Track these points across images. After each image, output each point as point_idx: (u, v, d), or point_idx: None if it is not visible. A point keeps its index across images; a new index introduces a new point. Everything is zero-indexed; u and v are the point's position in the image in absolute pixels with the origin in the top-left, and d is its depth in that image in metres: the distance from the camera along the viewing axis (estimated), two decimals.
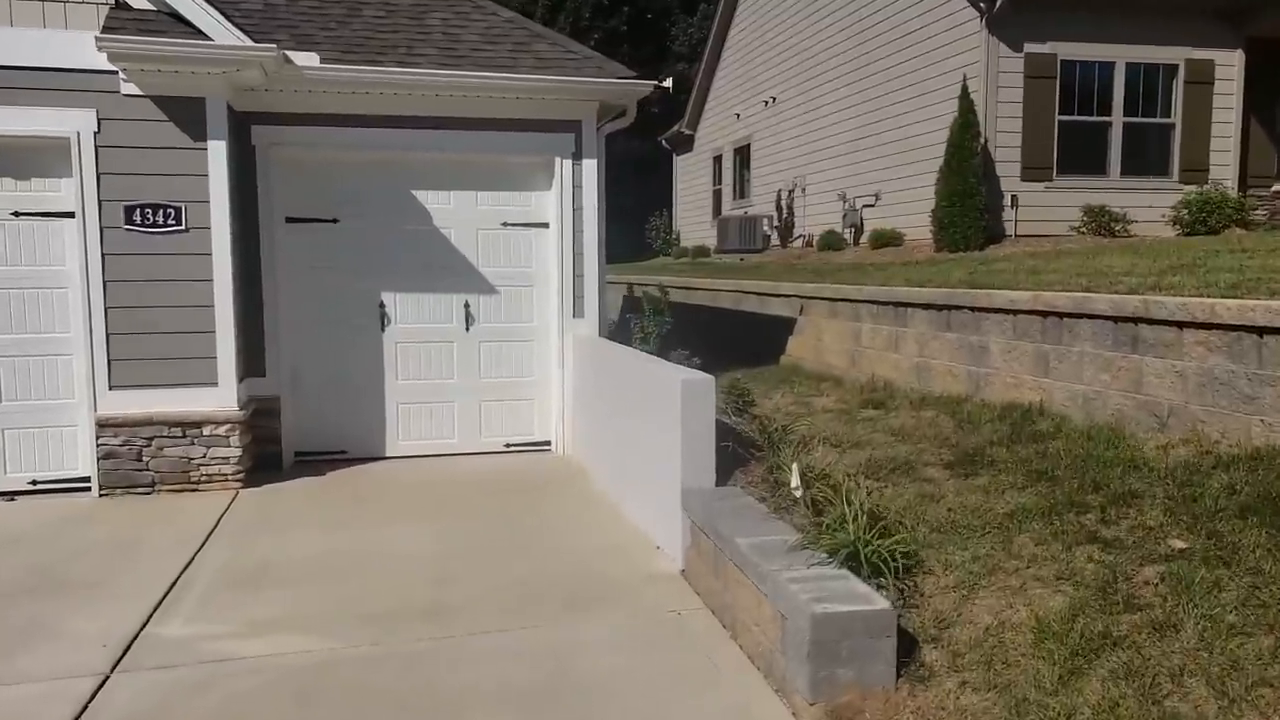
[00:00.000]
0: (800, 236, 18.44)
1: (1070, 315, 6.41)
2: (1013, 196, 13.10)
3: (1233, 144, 13.54)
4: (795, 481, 4.87)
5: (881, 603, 3.68)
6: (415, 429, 8.19)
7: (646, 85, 8.06)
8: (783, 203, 19.12)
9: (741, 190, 22.02)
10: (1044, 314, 6.68)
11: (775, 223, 19.35)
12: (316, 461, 7.75)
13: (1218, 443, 5.09)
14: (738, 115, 22.03)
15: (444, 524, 6.17)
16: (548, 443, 8.44)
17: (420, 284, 8.11)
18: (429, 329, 8.19)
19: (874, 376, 8.89)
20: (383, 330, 8.06)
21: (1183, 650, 3.33)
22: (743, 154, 21.86)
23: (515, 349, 8.40)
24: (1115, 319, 6.00)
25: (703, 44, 23.86)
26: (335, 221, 7.89)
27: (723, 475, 5.57)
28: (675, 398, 5.40)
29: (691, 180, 25.63)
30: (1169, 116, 13.44)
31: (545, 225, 8.34)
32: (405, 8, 8.33)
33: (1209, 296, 5.59)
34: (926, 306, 8.17)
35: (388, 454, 8.10)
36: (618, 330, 10.30)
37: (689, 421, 5.35)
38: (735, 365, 10.71)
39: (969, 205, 12.46)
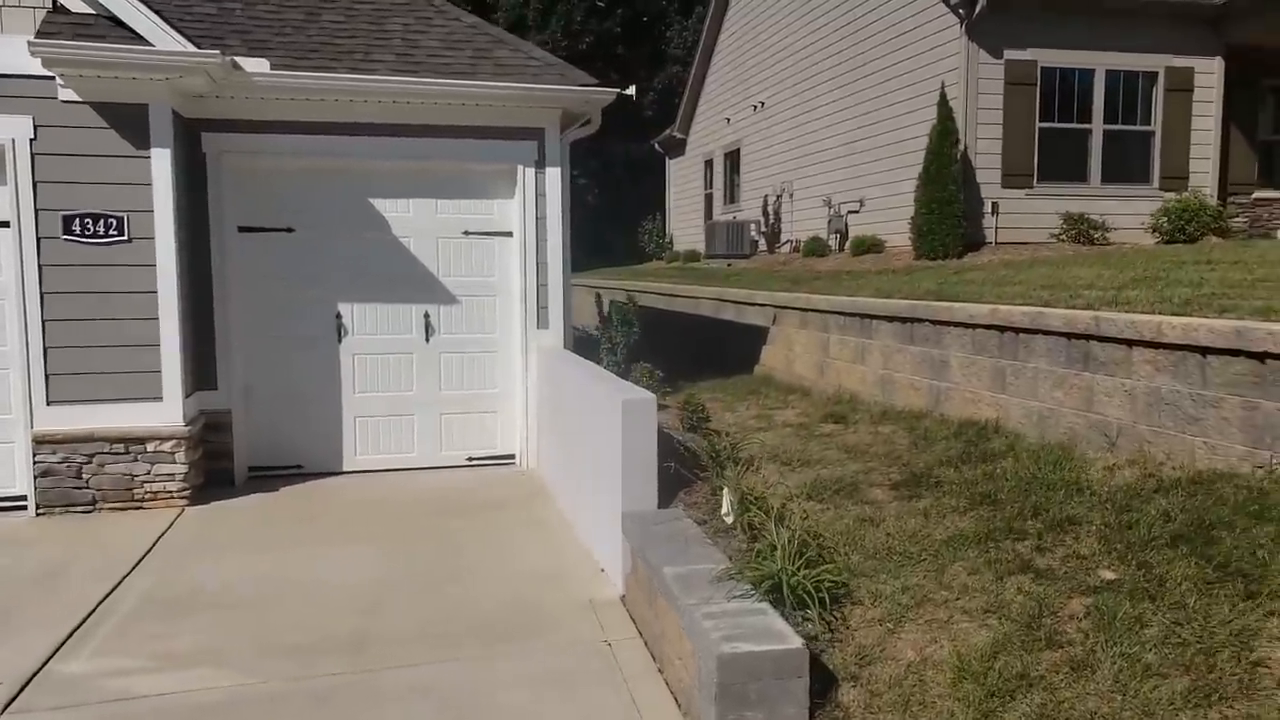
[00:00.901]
0: (788, 242, 18.33)
1: (1026, 331, 6.31)
2: (993, 203, 12.99)
3: (1212, 152, 13.42)
4: (726, 508, 4.76)
5: (795, 641, 3.57)
6: (373, 443, 8.09)
7: (609, 93, 7.95)
8: (770, 208, 19.01)
9: (731, 195, 21.91)
10: (1001, 329, 6.57)
11: (763, 228, 19.23)
12: (270, 477, 7.64)
13: (1162, 464, 4.98)
14: (728, 120, 21.92)
15: (389, 546, 6.06)
16: (511, 456, 8.34)
17: (378, 294, 8.01)
18: (388, 340, 8.09)
19: (840, 388, 8.79)
20: (339, 341, 7.96)
21: (1097, 693, 3.23)
22: (733, 159, 21.76)
23: (477, 360, 8.30)
24: (1069, 335, 5.90)
25: (697, 47, 23.75)
26: (290, 231, 7.79)
27: (667, 496, 5.47)
28: (616, 417, 5.29)
29: (683, 184, 25.53)
30: (1149, 124, 13.32)
31: (508, 234, 8.24)
32: (365, 13, 8.24)
33: (1161, 313, 5.49)
34: (891, 319, 8.06)
35: (344, 469, 8.00)
36: (598, 340, 10.19)
37: (630, 442, 5.24)
38: (709, 375, 10.63)
39: (947, 213, 12.35)
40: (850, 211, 15.80)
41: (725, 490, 4.89)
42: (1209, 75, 13.29)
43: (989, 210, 12.98)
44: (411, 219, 8.05)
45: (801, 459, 6.36)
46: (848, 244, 15.32)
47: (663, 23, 33.60)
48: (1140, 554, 4.01)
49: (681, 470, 5.70)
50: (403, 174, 7.95)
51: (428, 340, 8.12)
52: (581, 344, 9.55)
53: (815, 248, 16.01)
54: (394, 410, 8.12)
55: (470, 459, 8.25)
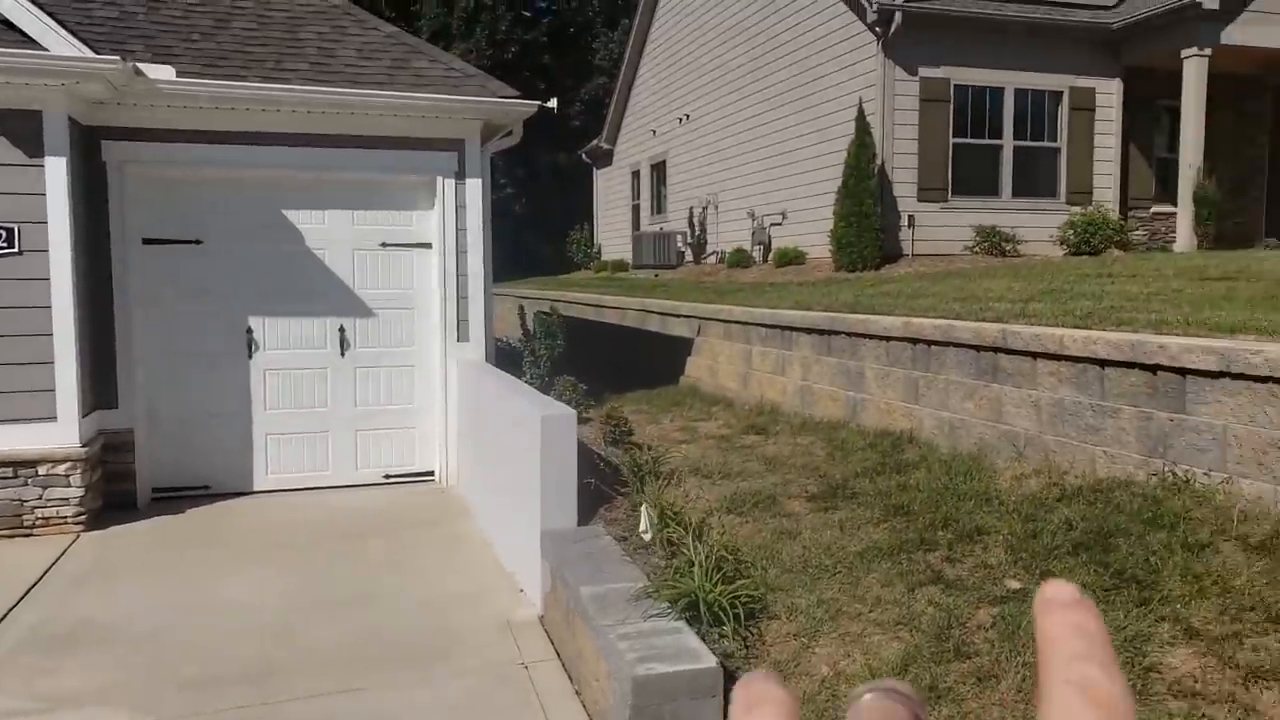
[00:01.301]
0: (714, 253, 18.48)
1: (938, 343, 6.46)
2: (909, 216, 13.30)
3: (1114, 168, 13.99)
4: (644, 525, 4.75)
5: (709, 660, 3.57)
6: (286, 461, 7.86)
7: (531, 105, 7.90)
8: (696, 219, 19.14)
9: (659, 206, 22.02)
10: (914, 341, 6.72)
11: (689, 239, 19.35)
12: (176, 499, 7.36)
13: (1066, 473, 5.14)
14: (654, 131, 22.03)
15: (299, 569, 5.88)
16: (430, 473, 8.19)
17: (291, 308, 7.80)
18: (301, 355, 7.87)
19: (763, 399, 8.87)
20: (250, 357, 7.72)
21: (1001, 702, 3.30)
22: (659, 170, 21.87)
23: (395, 375, 8.14)
24: (978, 348, 6.06)
25: (623, 59, 23.87)
26: (198, 243, 7.54)
27: (587, 513, 5.43)
28: (534, 433, 5.23)
29: (612, 195, 25.56)
30: (1055, 141, 13.83)
31: (428, 245, 8.11)
32: (279, 21, 8.04)
33: (1063, 326, 5.67)
34: (810, 330, 8.18)
35: (255, 488, 7.75)
36: (521, 352, 10.09)
37: (548, 458, 5.19)
38: (635, 386, 10.62)
39: (865, 225, 12.60)
40: (773, 224, 16.01)
41: (644, 507, 4.87)
42: (1109, 95, 13.85)
43: (906, 223, 13.29)
44: (327, 230, 7.87)
45: (723, 472, 6.39)
46: (771, 255, 15.52)
47: (589, 34, 33.69)
48: (1044, 563, 4.12)
49: (602, 486, 5.67)
50: (318, 185, 7.76)
51: (343, 354, 7.93)
52: (504, 357, 9.46)
53: (740, 259, 16.18)
54: (307, 427, 7.90)
55: (387, 476, 8.08)
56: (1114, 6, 13.80)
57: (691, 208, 19.23)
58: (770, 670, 3.61)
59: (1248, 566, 3.70)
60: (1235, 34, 12.67)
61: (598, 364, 12.24)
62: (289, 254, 7.77)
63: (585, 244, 25.56)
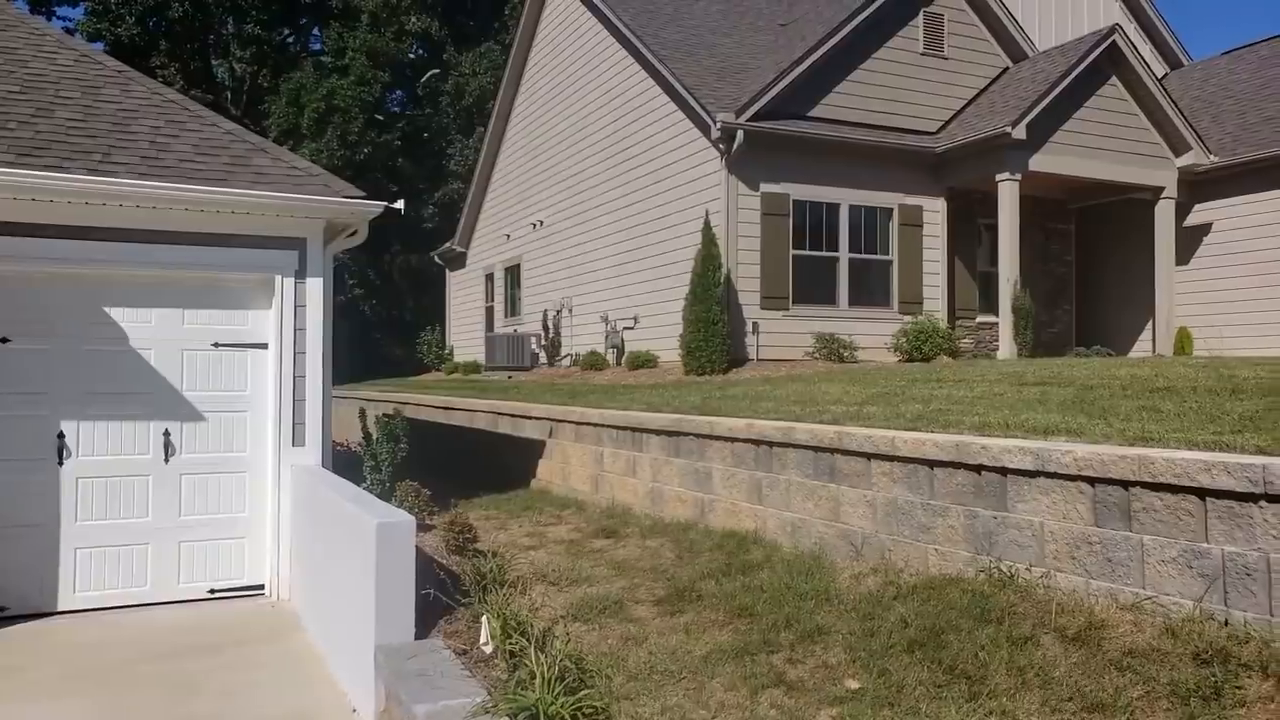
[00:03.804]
0: (567, 356, 18.59)
1: (779, 444, 6.63)
2: (754, 323, 13.83)
3: (941, 280, 15.08)
4: (484, 637, 4.55)
5: None
6: (98, 577, 7.16)
7: (376, 206, 7.81)
8: (550, 322, 19.28)
9: (513, 308, 22.07)
10: (757, 443, 6.88)
11: (543, 341, 19.42)
12: None
13: (901, 571, 5.29)
14: (508, 236, 22.26)
15: (106, 699, 5.29)
16: (261, 587, 7.63)
17: (111, 411, 7.25)
18: (119, 461, 7.28)
19: (614, 502, 8.82)
20: (61, 464, 7.09)
21: None
22: (513, 273, 22.02)
23: (225, 482, 7.63)
24: (816, 449, 6.25)
25: (478, 164, 24.20)
26: (5, 341, 6.96)
27: (426, 626, 5.16)
28: (370, 542, 4.98)
29: (465, 296, 25.48)
30: (888, 254, 14.81)
31: (263, 346, 7.75)
32: (109, 113, 7.71)
33: (895, 428, 5.93)
34: (659, 432, 8.25)
35: (61, 608, 7.00)
36: (363, 457, 9.68)
37: (385, 568, 4.93)
38: (485, 490, 10.36)
39: (713, 331, 12.99)
40: (626, 327, 16.29)
41: (485, 618, 4.68)
42: (935, 213, 15.03)
43: (751, 330, 13.81)
44: (154, 329, 7.42)
45: (571, 577, 6.25)
46: (624, 358, 15.74)
47: (444, 139, 34.08)
48: (881, 661, 4.18)
49: (442, 597, 5.41)
50: (146, 282, 7.34)
51: (167, 460, 7.39)
52: (345, 462, 9.07)
53: (593, 361, 16.32)
54: (125, 539, 7.25)
55: (213, 591, 7.47)
56: (937, 133, 15.12)
57: (546, 310, 19.37)
58: None
59: (1065, 658, 3.86)
60: (1041, 162, 14.08)
61: (447, 468, 11.92)
62: (111, 354, 7.26)
63: (437, 345, 25.25)
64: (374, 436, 8.83)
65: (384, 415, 9.58)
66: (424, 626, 5.11)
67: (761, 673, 4.33)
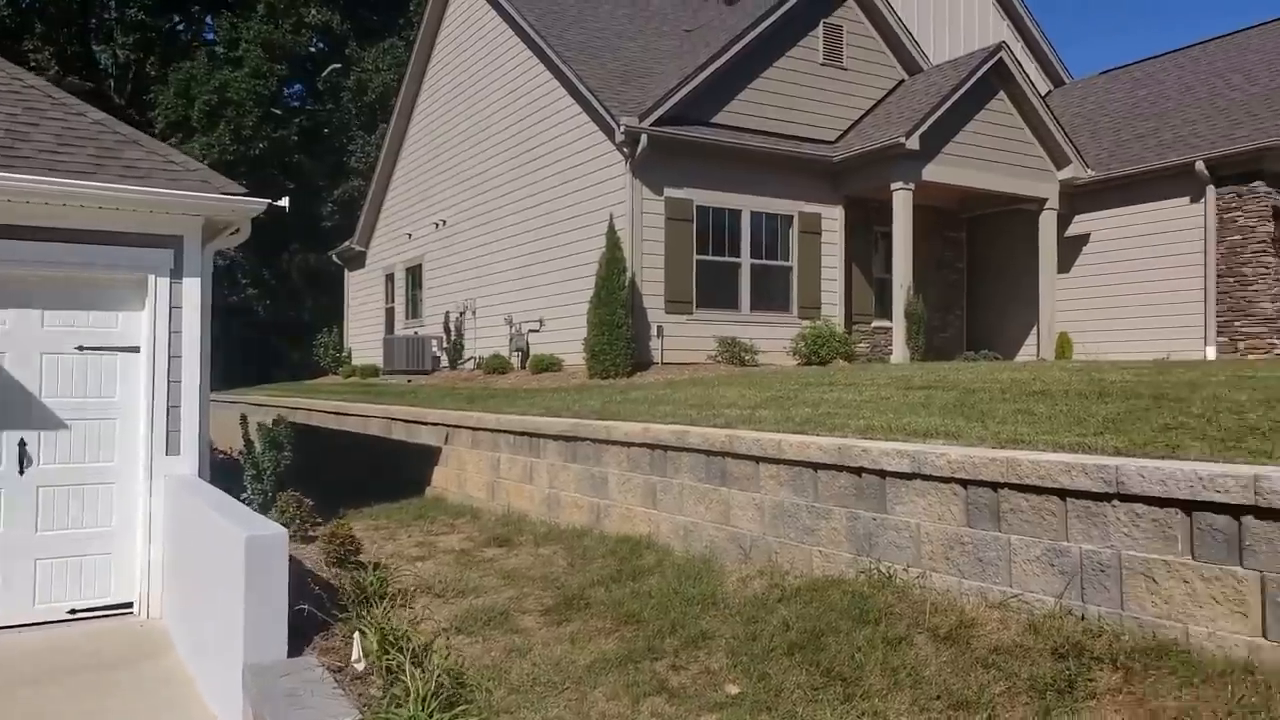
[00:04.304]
0: (471, 359, 18.30)
1: (673, 448, 6.62)
2: (659, 327, 13.86)
3: (839, 286, 15.40)
4: (356, 654, 4.39)
5: None
6: None
7: (259, 203, 7.50)
8: (453, 324, 18.96)
9: (414, 310, 21.63)
10: (653, 447, 6.85)
11: (445, 344, 19.08)
12: None
13: (787, 574, 5.33)
14: (410, 235, 21.82)
15: None
16: (129, 605, 7.21)
17: None
18: None
19: (510, 509, 8.69)
20: None
21: None
22: (415, 274, 21.58)
23: (90, 494, 7.19)
24: (708, 453, 6.26)
25: (379, 161, 23.63)
26: None
27: (300, 643, 4.95)
28: (239, 556, 4.75)
29: (364, 297, 24.85)
30: (788, 260, 15.04)
31: (135, 349, 7.34)
32: None
33: (783, 432, 5.99)
34: (557, 437, 8.16)
35: None
36: (244, 466, 9.28)
37: (255, 583, 4.71)
38: (377, 499, 10.07)
39: (617, 335, 12.96)
40: (531, 330, 16.13)
41: (356, 634, 4.51)
42: (833, 220, 15.34)
43: (655, 333, 13.82)
44: (9, 332, 6.95)
45: (458, 589, 6.11)
46: (528, 362, 15.58)
47: (345, 135, 33.21)
48: (761, 665, 4.18)
49: (318, 612, 5.20)
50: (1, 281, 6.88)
51: (22, 472, 6.92)
52: (227, 471, 8.69)
53: (497, 365, 16.10)
54: None
55: (75, 611, 7.02)
56: (835, 142, 15.43)
57: (448, 312, 19.05)
58: None
59: (936, 657, 3.94)
60: (933, 172, 14.51)
61: (338, 477, 11.56)
62: None
63: (334, 348, 24.56)
64: (255, 445, 8.47)
65: (270, 421, 9.22)
66: (298, 644, 4.91)
67: (644, 680, 4.29)
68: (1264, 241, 13.82)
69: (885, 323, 15.57)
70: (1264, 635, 3.45)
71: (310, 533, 7.25)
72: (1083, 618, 3.96)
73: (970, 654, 3.92)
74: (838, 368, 12.74)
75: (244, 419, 9.36)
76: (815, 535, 5.34)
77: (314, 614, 5.12)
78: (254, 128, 29.28)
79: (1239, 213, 14.06)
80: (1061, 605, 4.04)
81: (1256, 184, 13.87)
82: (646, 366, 13.59)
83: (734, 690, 4.04)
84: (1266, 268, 13.86)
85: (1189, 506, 3.68)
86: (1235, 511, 3.55)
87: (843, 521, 5.18)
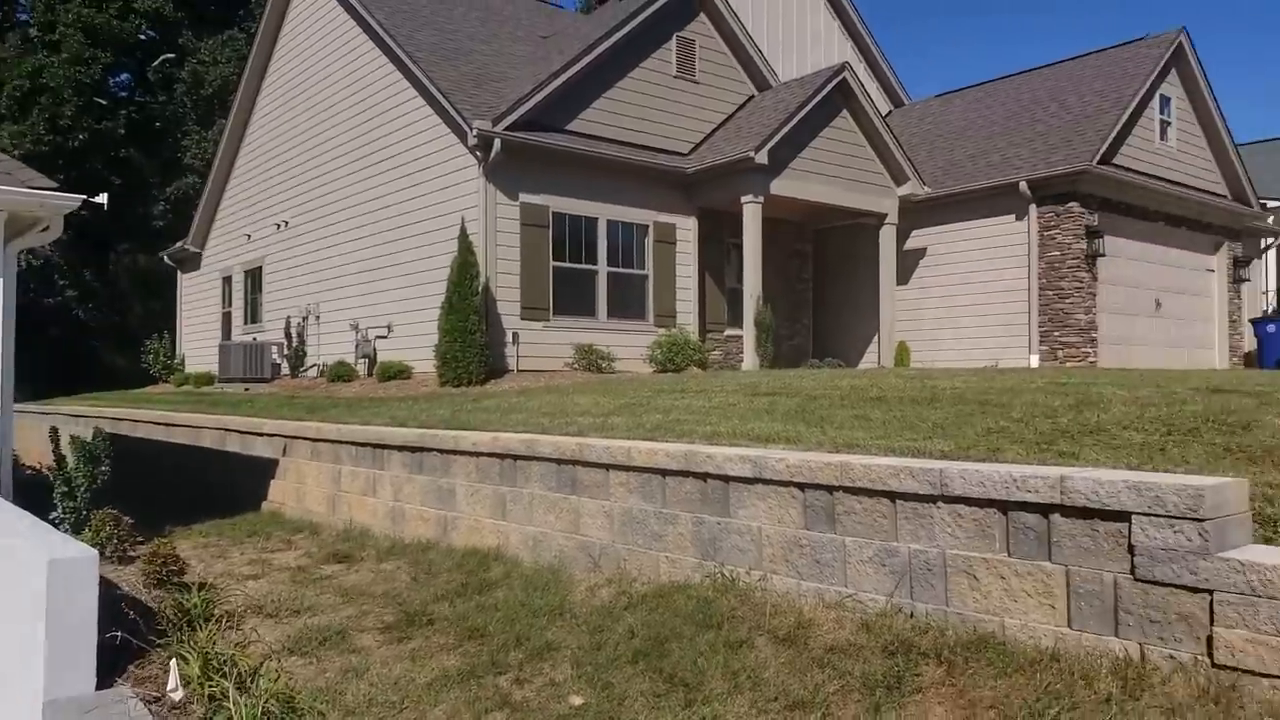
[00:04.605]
0: (314, 366, 17.55)
1: (523, 458, 6.52)
2: (514, 334, 13.69)
3: (693, 295, 15.67)
4: (173, 683, 4.10)
5: None
6: None
7: (71, 199, 6.96)
8: (294, 330, 18.14)
9: (253, 315, 20.57)
10: (502, 456, 6.73)
11: (286, 351, 18.24)
12: None
13: (634, 581, 5.33)
14: (249, 236, 20.76)
15: None
16: None
17: None
18: None
19: (351, 523, 8.35)
20: None
21: None
22: (254, 277, 20.54)
23: None
24: (559, 461, 6.19)
25: (216, 157, 22.34)
26: None
27: (114, 672, 4.57)
28: (39, 582, 4.34)
29: (200, 301, 23.45)
30: (644, 269, 15.18)
31: None
32: None
33: (633, 438, 5.99)
34: (402, 448, 7.90)
35: None
36: (54, 483, 8.54)
37: (59, 611, 4.31)
38: (208, 515, 9.48)
39: (470, 341, 12.71)
40: (379, 336, 15.63)
41: (174, 661, 4.20)
42: (687, 231, 15.59)
43: (511, 340, 13.65)
44: None
45: (292, 608, 5.80)
46: (375, 369, 15.07)
47: (180, 129, 31.31)
48: (606, 674, 4.16)
49: (133, 639, 4.82)
50: None
51: None
52: (33, 488, 7.98)
53: (342, 372, 15.51)
54: None
55: None
56: (689, 154, 15.70)
57: (289, 317, 18.24)
58: None
59: (775, 658, 4.01)
60: (782, 186, 14.97)
61: (165, 493, 10.82)
62: None
63: (166, 355, 23.07)
64: (68, 459, 7.81)
65: (89, 434, 8.52)
66: (109, 675, 4.53)
67: (487, 696, 4.18)
68: (1079, 258, 14.99)
69: (737, 331, 15.93)
70: (1069, 625, 3.69)
71: (130, 553, 6.74)
72: (912, 615, 4.13)
73: (807, 654, 4.01)
74: (691, 375, 12.94)
75: (54, 431, 8.62)
76: (663, 541, 5.36)
77: (129, 640, 4.74)
78: (73, 118, 27.17)
79: (1057, 230, 15.19)
80: (892, 604, 4.20)
81: (1072, 204, 15.03)
82: (501, 374, 13.40)
83: (578, 701, 3.99)
84: (1081, 282, 15.02)
85: (1005, 506, 3.89)
86: (1045, 510, 3.78)
87: (689, 527, 5.22)
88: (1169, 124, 17.25)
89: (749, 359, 14.96)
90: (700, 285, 15.90)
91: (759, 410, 7.17)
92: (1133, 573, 3.52)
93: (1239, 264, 18.83)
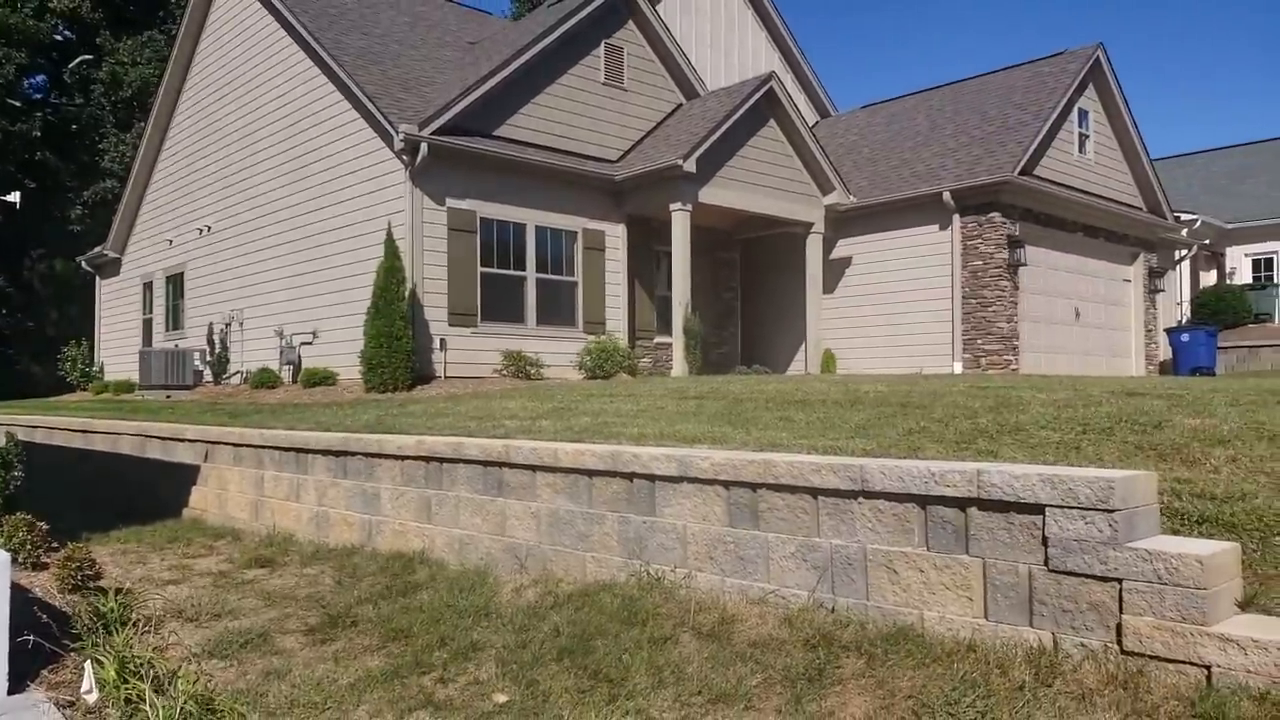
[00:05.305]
0: (237, 373, 17.15)
1: (450, 460, 6.50)
2: (441, 340, 13.59)
3: (623, 302, 15.75)
4: (87, 685, 3.99)
5: None
6: None
7: None
8: (217, 336, 17.71)
9: (175, 321, 20.01)
10: (428, 459, 6.69)
11: (209, 357, 17.79)
12: None
13: (561, 581, 5.36)
14: (171, 241, 20.21)
15: None
16: None
17: None
18: None
19: (275, 529, 8.19)
20: None
21: None
22: (176, 282, 19.99)
23: None
24: (485, 463, 6.19)
25: (136, 160, 21.66)
26: None
27: (25, 677, 4.42)
28: None
29: (120, 307, 22.70)
30: (573, 275, 15.22)
31: None
32: None
33: (560, 440, 6.03)
34: (326, 453, 7.79)
35: None
36: None
37: None
38: (127, 522, 9.18)
39: (396, 347, 12.58)
40: (304, 343, 15.36)
41: (88, 664, 4.09)
42: (616, 238, 15.69)
43: (438, 346, 13.54)
44: None
45: (213, 611, 5.67)
46: (300, 376, 14.81)
47: (98, 132, 30.29)
48: (531, 672, 4.17)
49: (45, 643, 4.66)
50: None
51: None
52: None
53: (266, 379, 15.19)
54: None
55: None
56: (617, 161, 15.80)
57: (212, 324, 17.80)
58: None
59: (699, 654, 4.09)
60: (709, 194, 15.16)
61: (83, 499, 10.47)
62: None
63: (84, 362, 22.29)
64: None
65: (5, 438, 8.20)
66: (21, 678, 4.39)
67: (411, 695, 4.16)
68: (1001, 267, 15.49)
69: (667, 338, 16.08)
70: (985, 616, 3.83)
71: (43, 559, 6.51)
72: (833, 609, 4.24)
73: (731, 649, 4.09)
74: (620, 381, 13.00)
75: None
76: (589, 541, 5.40)
77: (41, 645, 4.58)
78: None
79: (980, 240, 15.68)
80: (814, 599, 4.31)
81: (994, 214, 15.54)
82: (428, 380, 13.28)
83: (502, 699, 4.00)
84: (1003, 291, 15.53)
85: (924, 501, 4.02)
86: (962, 504, 3.91)
87: (615, 526, 5.27)
88: (1087, 137, 17.94)
89: (678, 366, 15.10)
90: (630, 292, 15.99)
91: (686, 413, 7.27)
92: (1047, 564, 3.66)
93: (1154, 275, 19.67)
